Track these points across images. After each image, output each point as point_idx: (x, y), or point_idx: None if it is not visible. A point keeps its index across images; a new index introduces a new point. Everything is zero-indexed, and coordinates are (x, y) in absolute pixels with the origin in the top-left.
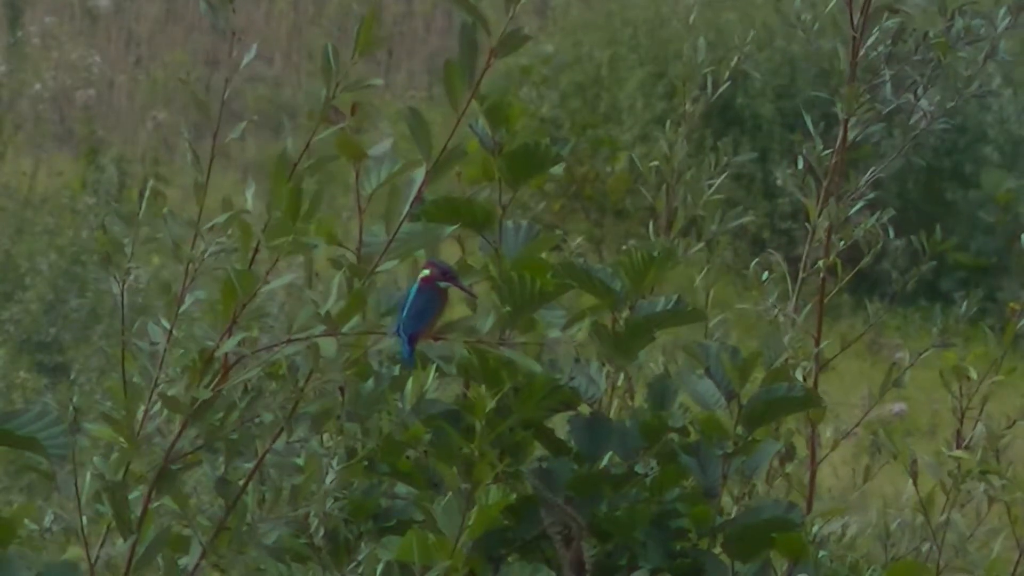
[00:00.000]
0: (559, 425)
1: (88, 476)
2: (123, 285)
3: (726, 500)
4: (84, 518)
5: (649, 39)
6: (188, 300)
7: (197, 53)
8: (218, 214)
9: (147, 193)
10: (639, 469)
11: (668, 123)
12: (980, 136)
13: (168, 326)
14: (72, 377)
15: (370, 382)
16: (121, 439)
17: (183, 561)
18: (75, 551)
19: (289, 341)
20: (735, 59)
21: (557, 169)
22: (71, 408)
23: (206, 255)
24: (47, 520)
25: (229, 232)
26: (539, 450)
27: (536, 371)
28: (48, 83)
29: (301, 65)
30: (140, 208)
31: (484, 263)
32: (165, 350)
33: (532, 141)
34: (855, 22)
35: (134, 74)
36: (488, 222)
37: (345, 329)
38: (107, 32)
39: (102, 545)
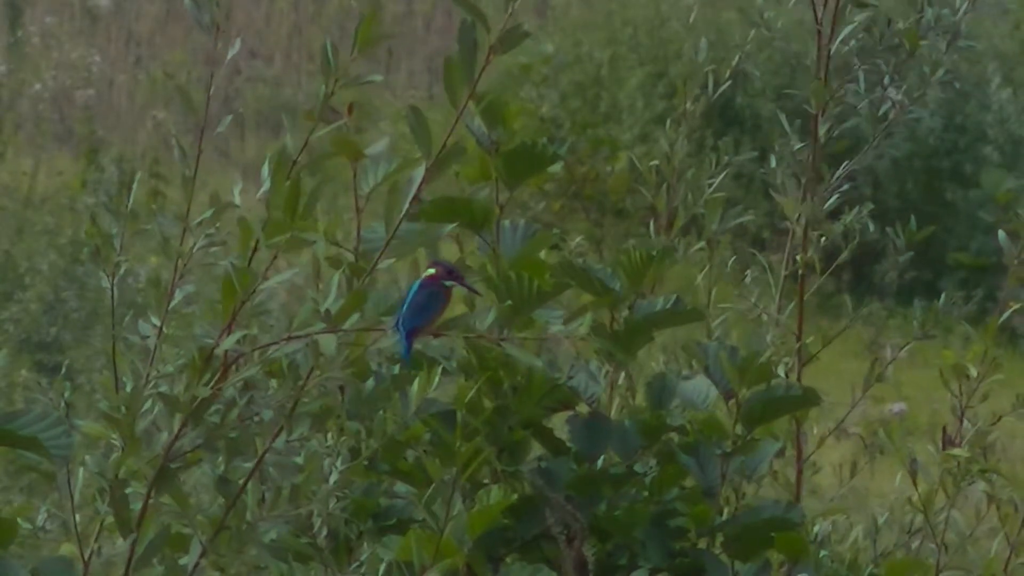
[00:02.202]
0: (558, 425)
1: (80, 473)
2: (113, 279)
3: (725, 499)
4: (77, 516)
5: (649, 39)
6: (178, 295)
7: (197, 53)
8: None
9: (135, 186)
10: (638, 468)
11: (669, 122)
12: (980, 136)
13: (158, 321)
14: (63, 373)
15: (370, 381)
16: (112, 437)
17: (183, 560)
18: (68, 547)
19: (289, 339)
20: (736, 59)
21: (554, 168)
22: (63, 404)
23: (194, 250)
24: (40, 519)
25: (217, 225)
26: (538, 449)
27: (536, 366)
28: (48, 83)
29: (301, 65)
30: (128, 202)
31: (482, 262)
32: (156, 346)
33: (530, 140)
34: (820, 18)
35: (134, 74)
36: (487, 222)
37: (345, 327)
38: (107, 32)
39: (96, 541)
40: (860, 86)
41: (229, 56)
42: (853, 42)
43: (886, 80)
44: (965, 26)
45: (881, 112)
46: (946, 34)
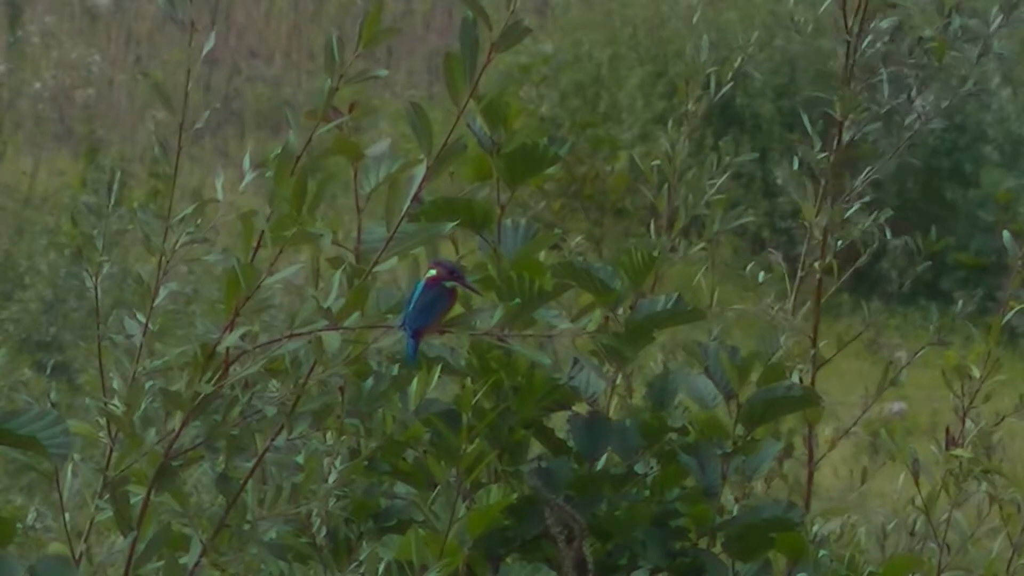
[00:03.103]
0: (559, 425)
1: (68, 471)
2: (97, 279)
3: (726, 499)
4: (69, 515)
5: (649, 38)
6: (162, 293)
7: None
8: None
9: (116, 185)
10: (639, 469)
11: (670, 122)
12: (980, 136)
13: (143, 319)
14: (48, 372)
15: (370, 381)
16: (101, 436)
17: (183, 559)
18: (57, 547)
19: (291, 336)
20: (738, 60)
21: (554, 169)
22: (49, 402)
23: (177, 246)
24: (30, 518)
25: (199, 222)
26: (538, 448)
27: (544, 362)
28: (48, 82)
29: (301, 64)
30: (110, 201)
31: (482, 262)
32: (142, 343)
33: (530, 141)
34: (849, 23)
35: (134, 74)
36: (487, 222)
37: (346, 324)
38: (107, 31)
39: (86, 540)
40: (884, 92)
41: (204, 52)
42: (879, 45)
43: (913, 92)
44: (998, 41)
45: (907, 122)
46: (975, 45)
